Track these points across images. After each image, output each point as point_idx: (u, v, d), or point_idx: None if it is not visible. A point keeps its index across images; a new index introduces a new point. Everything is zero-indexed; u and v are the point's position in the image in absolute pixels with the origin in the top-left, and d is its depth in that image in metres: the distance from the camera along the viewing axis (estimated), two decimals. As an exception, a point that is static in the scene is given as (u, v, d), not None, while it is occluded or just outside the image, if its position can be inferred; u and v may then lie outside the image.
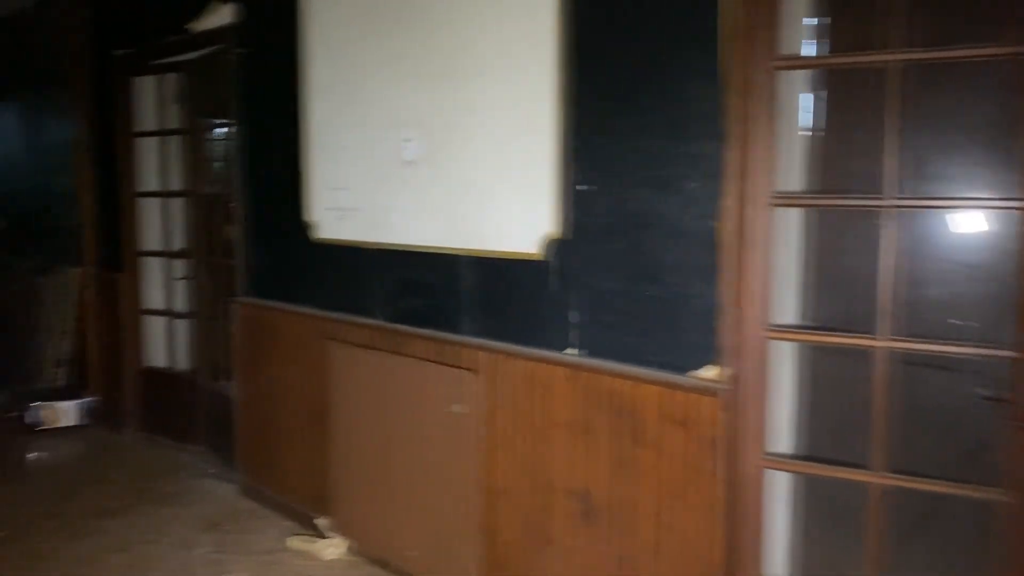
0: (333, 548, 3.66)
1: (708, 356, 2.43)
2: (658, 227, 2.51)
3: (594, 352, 2.69)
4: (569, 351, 2.75)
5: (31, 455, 5.07)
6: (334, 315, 3.69)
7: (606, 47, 2.60)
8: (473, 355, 3.05)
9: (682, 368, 2.48)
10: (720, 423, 2.38)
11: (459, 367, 3.09)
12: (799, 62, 2.44)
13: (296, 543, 3.76)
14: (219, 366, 4.84)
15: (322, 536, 3.74)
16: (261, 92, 4.08)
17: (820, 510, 2.59)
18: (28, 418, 5.43)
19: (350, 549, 3.65)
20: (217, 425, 4.77)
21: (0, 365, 7.06)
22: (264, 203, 4.16)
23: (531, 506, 2.89)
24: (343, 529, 3.69)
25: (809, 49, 2.44)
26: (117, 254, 5.41)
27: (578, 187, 2.69)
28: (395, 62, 3.30)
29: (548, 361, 2.79)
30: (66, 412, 5.51)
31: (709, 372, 2.43)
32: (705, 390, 2.41)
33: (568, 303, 2.75)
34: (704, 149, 2.39)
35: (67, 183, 5.87)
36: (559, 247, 2.76)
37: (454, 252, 3.13)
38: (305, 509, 3.93)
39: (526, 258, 2.86)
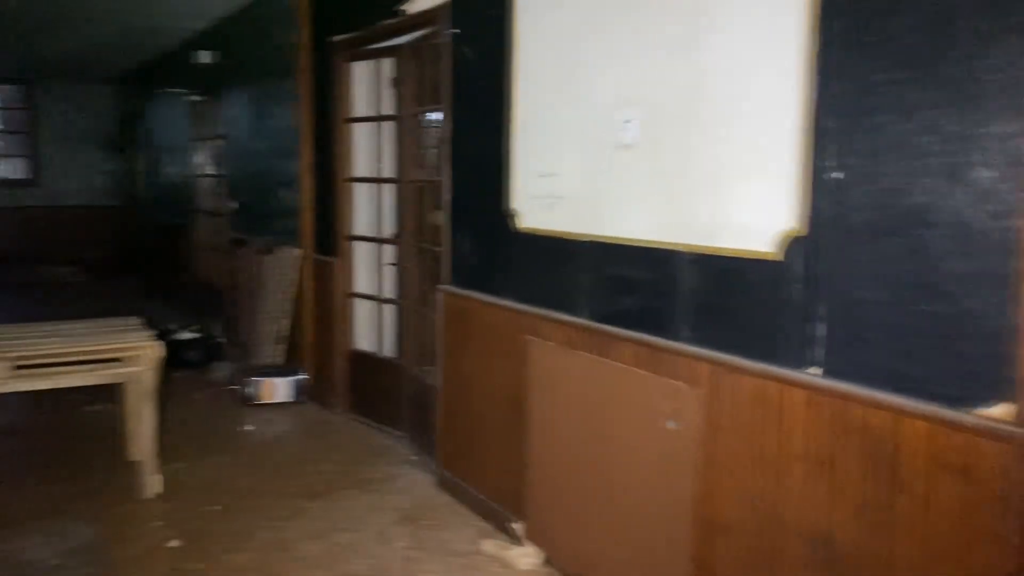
0: (527, 558, 3.44)
1: (997, 390, 1.92)
2: (938, 226, 2.01)
3: (843, 374, 2.24)
4: (811, 370, 2.32)
5: (247, 428, 5.28)
6: (535, 310, 3.45)
7: (871, 6, 2.13)
8: (691, 366, 2.68)
9: (960, 402, 1.99)
10: (1016, 477, 1.87)
11: (675, 378, 2.73)
12: None
13: (490, 547, 3.57)
14: (423, 353, 4.78)
15: (517, 542, 3.53)
16: (470, 73, 3.91)
17: None
18: (246, 391, 5.67)
19: (546, 561, 3.41)
20: (419, 412, 4.71)
21: (229, 340, 7.53)
22: (468, 190, 4.00)
23: (756, 546, 2.49)
24: (537, 536, 3.46)
25: None
26: (330, 238, 5.51)
27: (830, 174, 2.24)
28: (613, 34, 2.97)
29: (783, 380, 2.37)
30: (280, 388, 5.71)
31: (999, 410, 1.92)
32: (994, 433, 1.91)
33: (811, 313, 2.31)
34: (1008, 130, 1.87)
35: (291, 168, 6.07)
36: (801, 246, 2.33)
37: (673, 247, 2.76)
38: (500, 508, 3.75)
39: (759, 257, 2.45)
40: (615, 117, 2.97)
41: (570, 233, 3.25)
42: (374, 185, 5.25)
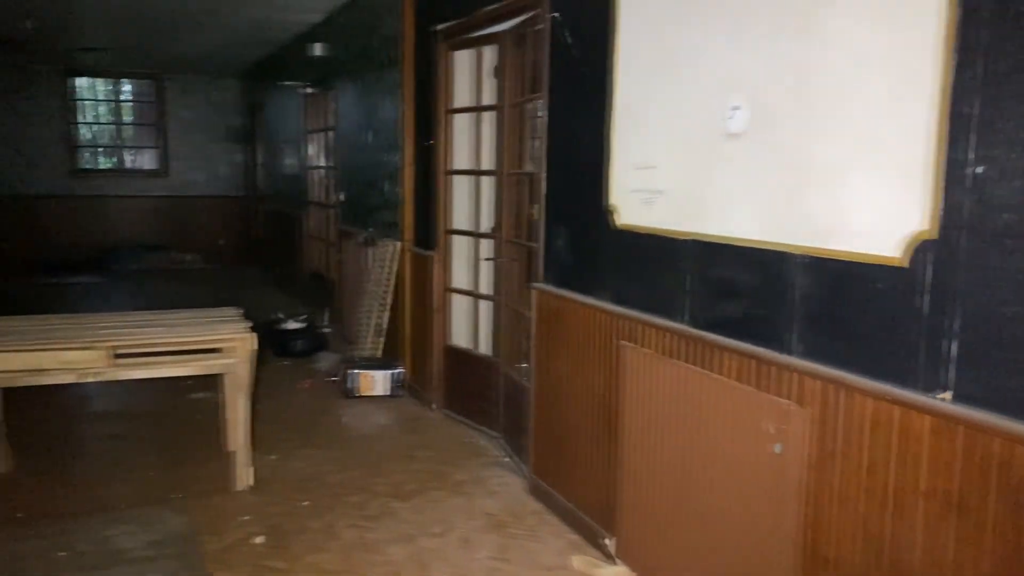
0: (619, 577, 3.23)
1: None
2: (1105, 231, 1.68)
3: (978, 400, 1.92)
4: (939, 395, 2.01)
5: (345, 420, 5.27)
6: (631, 313, 3.22)
7: (1031, -33, 1.80)
8: (801, 382, 2.40)
9: None
10: None
11: (782, 396, 2.46)
12: None
13: (580, 563, 3.38)
14: (518, 352, 4.63)
15: (609, 560, 3.32)
16: (570, 60, 3.70)
17: None
18: (346, 383, 5.67)
19: (637, 582, 3.20)
20: (513, 413, 4.57)
21: (334, 330, 7.61)
22: (565, 184, 3.80)
23: (868, 589, 2.20)
24: (628, 555, 3.24)
25: None
26: (430, 231, 5.43)
27: (969, 168, 1.92)
28: (720, 14, 2.71)
29: (906, 404, 2.07)
30: (378, 381, 5.68)
31: None
32: None
33: (941, 328, 2.00)
34: None
35: (395, 160, 6.03)
36: (931, 250, 2.02)
37: (783, 248, 2.48)
38: (592, 521, 3.54)
39: (881, 262, 2.14)
40: (721, 104, 2.71)
41: (670, 231, 3.00)
42: (473, 178, 5.12)
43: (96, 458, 4.53)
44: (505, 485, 4.23)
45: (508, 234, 4.63)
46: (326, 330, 7.87)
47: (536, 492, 4.08)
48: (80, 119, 13.00)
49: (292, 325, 7.01)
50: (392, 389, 5.70)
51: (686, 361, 2.90)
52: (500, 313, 4.76)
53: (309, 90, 8.74)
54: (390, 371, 5.72)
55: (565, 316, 3.75)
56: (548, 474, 3.98)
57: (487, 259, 5.02)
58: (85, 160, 13.08)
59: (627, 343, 3.22)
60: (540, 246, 4.02)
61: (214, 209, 13.61)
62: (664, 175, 3.03)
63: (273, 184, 11.41)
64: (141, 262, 12.78)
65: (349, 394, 5.67)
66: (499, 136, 4.79)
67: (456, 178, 5.24)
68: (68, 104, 12.67)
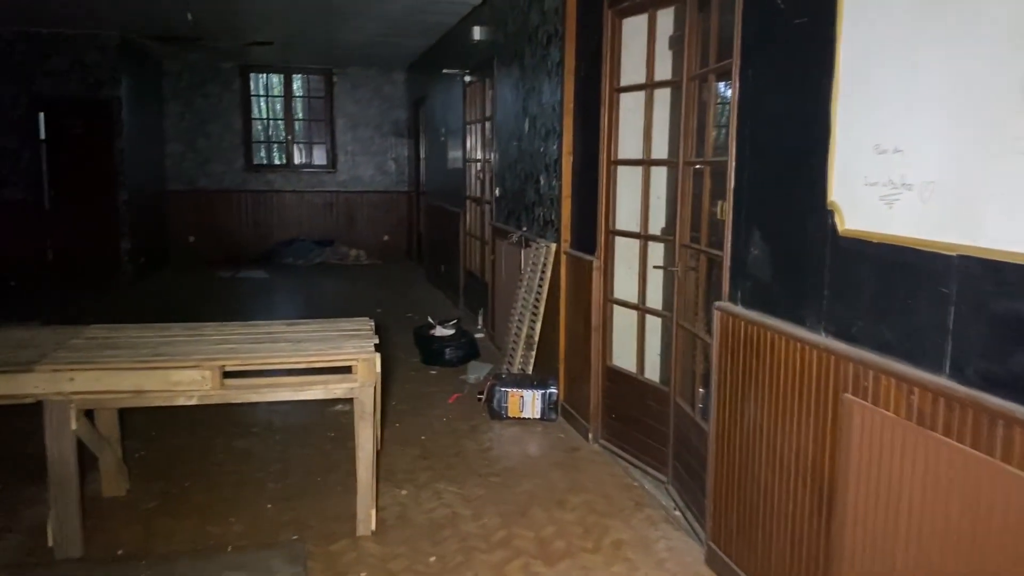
0: None
1: None
2: None
3: None
4: None
5: (489, 447, 4.61)
6: (861, 353, 2.31)
7: None
8: None
9: None
10: None
11: None
12: None
13: None
14: (693, 382, 3.79)
15: None
16: (773, 14, 2.81)
17: None
18: (492, 403, 5.02)
19: None
20: (686, 456, 3.73)
21: (487, 338, 7.02)
22: (763, 175, 2.92)
23: None
24: None
25: None
26: (590, 232, 4.66)
27: None
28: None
29: None
30: (528, 402, 4.99)
31: None
32: None
33: None
34: None
35: (553, 150, 5.32)
36: None
37: None
38: (792, 623, 2.67)
39: None
40: (1016, 61, 1.77)
41: (926, 241, 2.08)
42: (642, 169, 4.29)
43: (215, 482, 4.10)
44: (675, 551, 3.40)
45: (684, 237, 3.78)
46: (479, 335, 7.30)
47: (714, 563, 3.23)
48: (254, 115, 13.20)
49: (442, 332, 6.46)
50: (544, 412, 4.99)
51: (948, 435, 1.97)
52: (672, 333, 3.92)
53: (468, 78, 8.19)
54: (542, 391, 5.00)
55: (760, 348, 2.87)
56: (731, 546, 3.12)
57: (657, 267, 4.20)
58: (259, 156, 13.30)
59: (853, 397, 2.32)
60: (727, 254, 3.16)
61: (379, 204, 13.49)
62: (917, 162, 2.11)
63: (435, 179, 11.03)
64: (308, 257, 12.84)
65: (496, 415, 5.02)
66: (675, 118, 3.95)
67: (622, 169, 4.44)
68: (243, 100, 12.91)
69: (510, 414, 5.00)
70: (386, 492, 3.95)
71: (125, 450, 4.37)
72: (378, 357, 3.43)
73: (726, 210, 3.18)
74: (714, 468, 3.26)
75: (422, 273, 11.69)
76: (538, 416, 4.99)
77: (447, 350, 6.32)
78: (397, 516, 3.70)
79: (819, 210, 2.51)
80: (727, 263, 3.17)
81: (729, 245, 3.15)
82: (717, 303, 3.22)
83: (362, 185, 13.41)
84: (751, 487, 2.97)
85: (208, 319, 4.16)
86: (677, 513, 3.78)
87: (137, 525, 3.62)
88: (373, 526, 3.53)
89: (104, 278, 10.06)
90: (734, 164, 3.10)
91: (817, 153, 2.50)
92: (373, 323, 3.99)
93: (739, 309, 3.06)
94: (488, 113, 7.44)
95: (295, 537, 3.49)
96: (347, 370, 3.46)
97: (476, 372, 6.04)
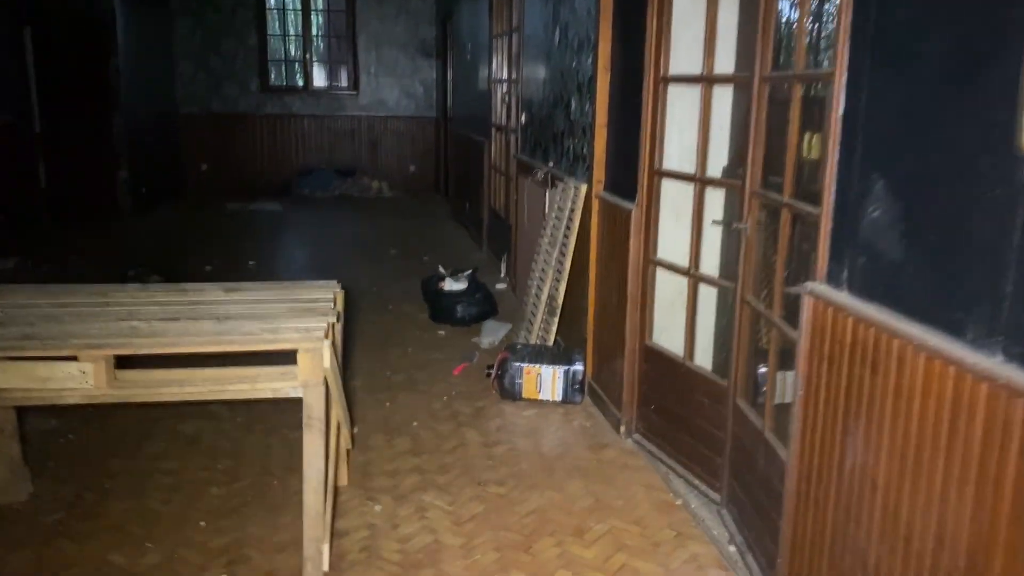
0: None
1: None
2: None
3: None
4: None
5: (495, 441, 3.69)
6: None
7: None
8: None
9: None
10: None
11: None
12: None
13: None
14: (760, 380, 2.80)
15: None
16: None
17: None
18: (504, 380, 4.08)
19: None
20: (750, 478, 2.77)
21: (509, 288, 6.08)
22: (899, 95, 1.85)
23: None
24: None
25: None
26: (630, 171, 3.62)
27: None
28: None
29: None
30: (547, 382, 4.03)
31: None
32: None
33: None
34: None
35: (587, 65, 4.24)
36: None
37: None
38: None
39: None
40: None
41: None
42: (701, 88, 3.21)
43: (143, 484, 3.23)
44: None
45: (757, 183, 2.74)
46: (501, 285, 6.34)
47: (787, 645, 2.30)
48: (270, 31, 12.13)
49: (452, 285, 5.50)
50: (566, 393, 4.04)
51: None
52: (739, 312, 2.90)
53: (496, -16, 7.04)
54: (565, 367, 4.04)
55: (881, 361, 1.86)
56: (815, 632, 2.18)
57: (716, 222, 3.16)
58: (275, 77, 12.28)
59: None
60: (826, 211, 2.13)
61: (405, 132, 12.44)
62: None
63: (461, 104, 9.93)
64: (328, 189, 11.92)
65: (507, 395, 4.09)
66: (748, 16, 2.87)
67: (674, 89, 3.37)
68: (258, 14, 11.84)
69: (525, 395, 4.06)
70: (355, 507, 3.07)
71: (53, 431, 3.57)
72: (327, 346, 2.48)
73: (822, 145, 2.13)
74: (792, 516, 2.30)
75: (448, 209, 10.70)
76: (559, 399, 4.04)
77: (458, 307, 5.37)
78: (362, 548, 2.81)
79: (1003, 154, 1.47)
80: (826, 224, 2.14)
81: (832, 197, 2.11)
82: (808, 283, 2.21)
83: (386, 110, 12.34)
84: (852, 562, 2.00)
85: (193, 265, 3.28)
86: (732, 548, 2.85)
87: (27, 550, 2.78)
88: (326, 566, 2.64)
89: (100, 211, 9.24)
90: (845, 77, 2.04)
91: (1003, 59, 1.44)
92: (340, 291, 3.04)
93: (844, 297, 2.05)
94: (515, 23, 6.31)
95: (223, 577, 2.63)
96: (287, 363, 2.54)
97: (491, 335, 5.10)
